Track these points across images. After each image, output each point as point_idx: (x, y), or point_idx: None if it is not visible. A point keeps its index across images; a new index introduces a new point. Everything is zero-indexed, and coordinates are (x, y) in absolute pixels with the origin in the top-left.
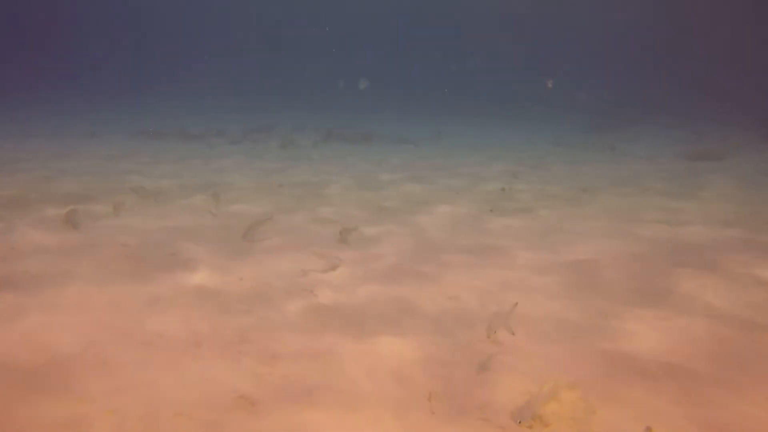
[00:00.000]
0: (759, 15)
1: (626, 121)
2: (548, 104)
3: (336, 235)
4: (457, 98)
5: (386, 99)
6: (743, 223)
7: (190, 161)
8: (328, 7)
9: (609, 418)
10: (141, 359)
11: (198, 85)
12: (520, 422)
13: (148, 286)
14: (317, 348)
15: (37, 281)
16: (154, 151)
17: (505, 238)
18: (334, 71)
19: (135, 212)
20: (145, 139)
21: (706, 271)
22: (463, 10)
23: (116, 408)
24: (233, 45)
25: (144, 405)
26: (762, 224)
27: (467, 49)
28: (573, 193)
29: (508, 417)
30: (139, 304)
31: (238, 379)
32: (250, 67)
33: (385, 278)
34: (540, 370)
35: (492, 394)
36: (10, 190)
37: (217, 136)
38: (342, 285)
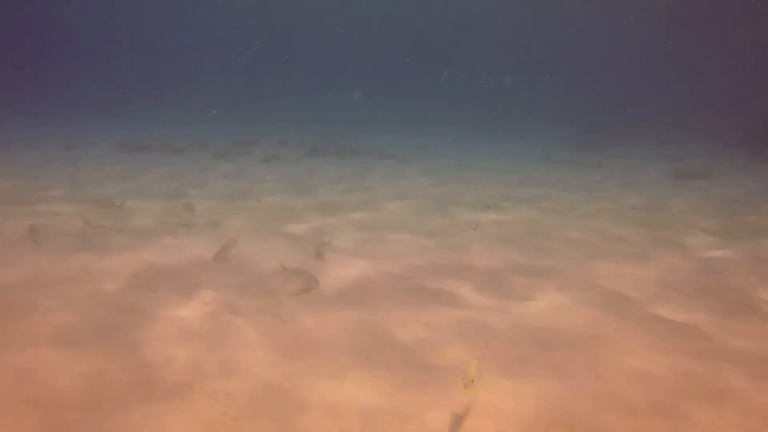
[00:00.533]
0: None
1: (616, 136)
2: (538, 116)
3: (311, 251)
4: (447, 111)
5: (376, 112)
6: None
7: (168, 175)
8: (318, 20)
9: None
10: None
11: (186, 97)
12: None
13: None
14: (278, 384)
15: None
16: (131, 164)
17: (490, 260)
18: (323, 83)
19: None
20: (126, 152)
21: None
22: (452, 23)
23: None
24: (222, 57)
25: None
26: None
27: (459, 62)
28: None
29: None
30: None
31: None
32: (239, 79)
33: (358, 303)
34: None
35: None
36: None
37: (201, 150)
38: (312, 310)
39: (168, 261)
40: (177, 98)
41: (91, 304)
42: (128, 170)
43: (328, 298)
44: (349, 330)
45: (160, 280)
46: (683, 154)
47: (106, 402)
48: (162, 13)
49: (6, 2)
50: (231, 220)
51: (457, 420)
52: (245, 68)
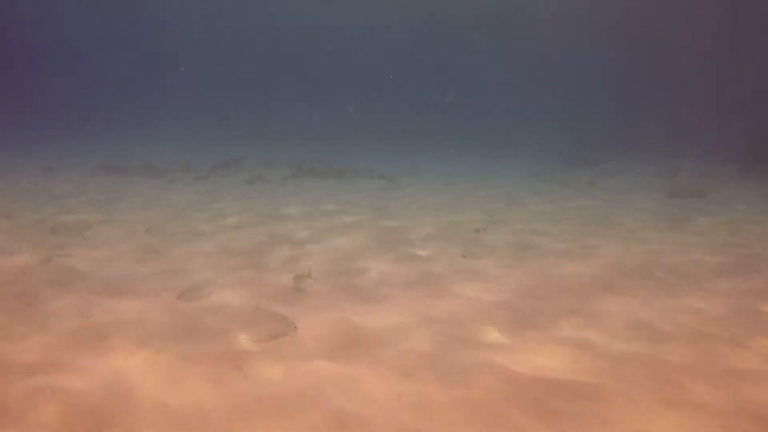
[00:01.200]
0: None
1: (604, 155)
2: (524, 137)
3: (289, 282)
4: (436, 130)
5: (364, 131)
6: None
7: (143, 201)
8: (307, 39)
9: None
10: None
11: (170, 116)
12: None
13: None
14: None
15: None
16: (107, 187)
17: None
18: (312, 102)
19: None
20: (105, 174)
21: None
22: (444, 41)
23: None
24: (208, 76)
25: None
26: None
27: (447, 81)
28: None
29: None
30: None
31: None
32: (226, 98)
33: (334, 350)
34: None
35: None
36: None
37: (183, 171)
38: (282, 358)
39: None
40: (163, 116)
41: None
42: (102, 196)
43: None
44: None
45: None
46: (676, 171)
47: None
48: (147, 28)
49: None
50: (199, 248)
51: None
52: (232, 85)
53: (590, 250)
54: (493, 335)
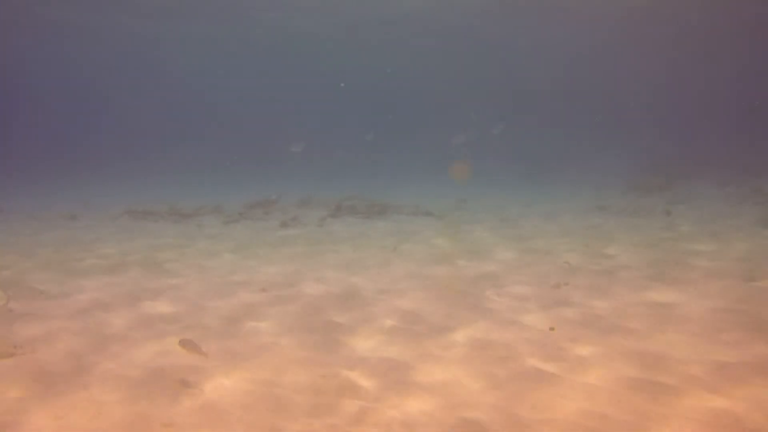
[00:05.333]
0: None
1: (671, 179)
2: (583, 163)
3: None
4: (482, 160)
5: (402, 163)
6: None
7: (165, 250)
8: (338, 68)
9: None
10: None
11: (198, 156)
12: None
13: None
14: None
15: None
16: (128, 234)
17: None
18: (345, 135)
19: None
20: (129, 221)
21: None
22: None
23: None
24: (234, 113)
25: None
26: None
27: (495, 110)
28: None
29: None
30: None
31: None
32: (254, 135)
33: None
34: None
35: None
36: None
37: (213, 214)
38: None
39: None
40: (191, 156)
41: None
42: (112, 249)
43: None
44: None
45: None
46: (760, 194)
47: None
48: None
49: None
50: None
51: None
52: (262, 124)
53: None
54: None
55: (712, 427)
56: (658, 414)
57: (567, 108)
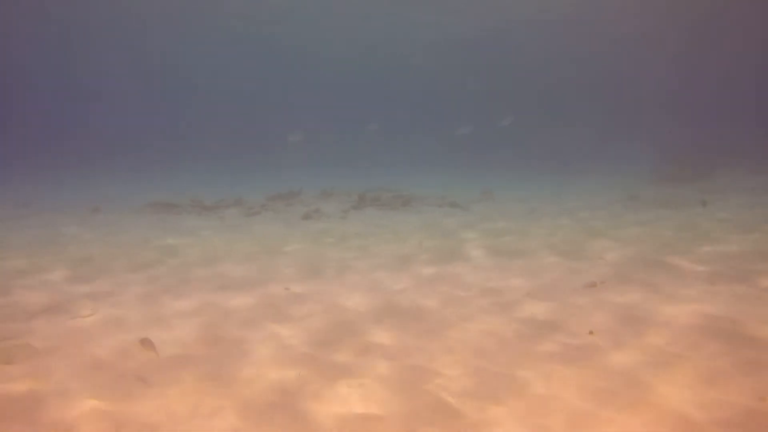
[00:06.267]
0: None
1: (703, 169)
2: (606, 148)
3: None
4: (506, 151)
5: (426, 153)
6: None
7: (185, 248)
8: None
9: None
10: None
11: (221, 147)
12: None
13: None
14: None
15: None
16: (146, 226)
17: None
18: (368, 124)
19: None
20: (151, 213)
21: None
22: (515, 65)
23: None
24: (258, 103)
25: None
26: None
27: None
28: None
29: None
30: None
31: None
32: (276, 126)
33: None
34: None
35: None
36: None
37: (234, 206)
38: None
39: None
40: (216, 147)
41: None
42: (136, 238)
43: None
44: None
45: None
46: None
47: None
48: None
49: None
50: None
51: None
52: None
53: None
54: None
55: None
56: None
57: (591, 99)
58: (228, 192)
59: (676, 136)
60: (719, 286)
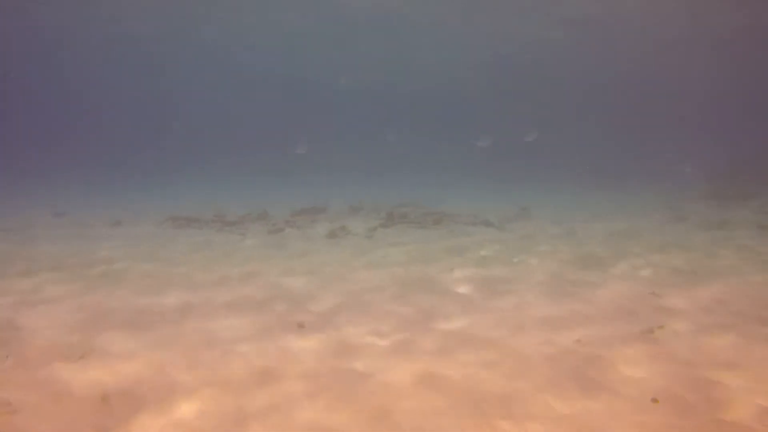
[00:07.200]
0: None
1: (751, 186)
2: (647, 172)
3: None
4: (543, 167)
5: (456, 168)
6: None
7: (202, 261)
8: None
9: None
10: None
11: (248, 161)
12: None
13: None
14: None
15: None
16: (163, 242)
17: None
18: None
19: None
20: (171, 228)
21: None
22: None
23: None
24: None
25: None
26: None
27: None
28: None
29: None
30: None
31: None
32: (304, 140)
33: None
34: None
35: None
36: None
37: (258, 221)
38: None
39: None
40: (242, 160)
41: None
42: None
43: None
44: None
45: None
46: None
47: None
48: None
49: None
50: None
51: None
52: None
53: None
54: None
55: None
56: None
57: (634, 110)
58: (256, 204)
59: (716, 151)
60: None
